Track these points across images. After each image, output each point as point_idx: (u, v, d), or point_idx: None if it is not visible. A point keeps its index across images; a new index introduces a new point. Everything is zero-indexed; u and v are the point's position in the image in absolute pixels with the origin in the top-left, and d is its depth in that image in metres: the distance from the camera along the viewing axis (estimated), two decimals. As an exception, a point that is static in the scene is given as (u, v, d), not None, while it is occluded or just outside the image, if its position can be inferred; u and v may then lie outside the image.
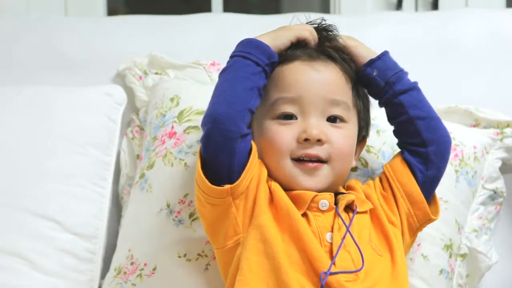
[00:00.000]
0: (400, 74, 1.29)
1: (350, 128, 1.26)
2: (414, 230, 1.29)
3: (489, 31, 1.70)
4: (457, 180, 1.46)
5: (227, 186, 1.18)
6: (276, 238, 1.18)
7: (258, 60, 1.21)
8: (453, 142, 1.46)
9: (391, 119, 1.31)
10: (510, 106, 1.61)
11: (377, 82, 1.29)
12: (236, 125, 1.18)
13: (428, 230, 1.39)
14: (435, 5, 2.05)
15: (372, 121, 1.37)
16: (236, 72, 1.21)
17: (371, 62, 1.29)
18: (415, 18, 1.79)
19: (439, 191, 1.38)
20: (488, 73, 1.67)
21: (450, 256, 1.43)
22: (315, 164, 1.23)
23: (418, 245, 1.39)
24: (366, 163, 1.41)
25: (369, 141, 1.39)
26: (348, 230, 1.19)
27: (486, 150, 1.53)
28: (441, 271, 1.41)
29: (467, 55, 1.68)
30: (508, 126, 1.56)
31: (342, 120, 1.25)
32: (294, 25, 1.31)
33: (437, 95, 1.61)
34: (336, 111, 1.25)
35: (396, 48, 1.67)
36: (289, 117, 1.24)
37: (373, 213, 1.26)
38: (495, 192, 1.54)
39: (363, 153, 1.40)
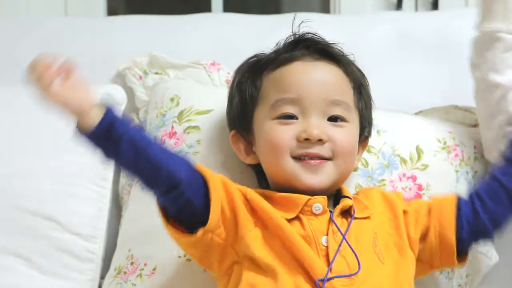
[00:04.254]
0: None
1: (352, 128, 1.26)
2: (433, 266, 1.27)
3: (489, 31, 1.70)
4: (457, 180, 1.46)
5: (200, 231, 1.15)
6: (266, 252, 1.16)
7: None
8: (453, 142, 1.46)
9: (488, 183, 1.28)
10: (510, 106, 1.60)
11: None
12: (173, 184, 1.13)
13: (428, 230, 1.39)
14: (435, 5, 2.05)
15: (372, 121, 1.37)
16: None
17: None
18: (415, 18, 1.79)
19: (440, 191, 1.38)
20: (488, 73, 1.66)
21: (450, 256, 1.43)
22: (318, 161, 1.22)
23: (419, 245, 1.39)
24: (367, 163, 1.41)
25: (369, 141, 1.39)
26: (344, 238, 1.17)
27: (487, 150, 1.53)
28: (441, 271, 1.41)
29: (467, 55, 1.67)
30: (508, 126, 1.56)
31: (343, 119, 1.25)
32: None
33: (437, 95, 1.61)
34: (336, 111, 1.24)
35: (396, 47, 1.68)
36: (290, 117, 1.23)
37: (393, 221, 1.24)
38: (495, 192, 1.54)
39: (363, 153, 1.40)
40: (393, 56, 1.67)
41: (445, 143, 1.46)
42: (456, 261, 1.25)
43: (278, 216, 1.18)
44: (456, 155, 1.47)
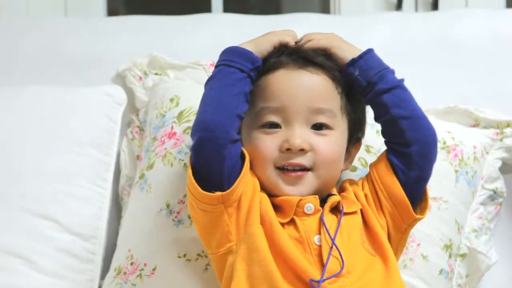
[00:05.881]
0: (384, 72, 1.27)
1: (337, 135, 1.26)
2: (402, 230, 1.28)
3: (489, 31, 1.70)
4: (457, 180, 1.46)
5: (218, 193, 1.18)
6: (267, 247, 1.18)
7: (242, 67, 1.22)
8: (452, 142, 1.47)
9: (376, 118, 1.29)
10: (510, 106, 1.61)
11: (359, 82, 1.26)
12: (225, 131, 1.18)
13: (427, 230, 1.39)
14: (435, 5, 2.06)
15: (371, 121, 1.37)
16: (221, 80, 1.22)
17: (353, 61, 1.27)
18: (415, 18, 1.80)
19: (439, 191, 1.39)
20: (488, 73, 1.67)
21: (450, 256, 1.43)
22: (299, 173, 1.23)
23: (418, 245, 1.39)
24: (366, 163, 1.41)
25: (369, 141, 1.39)
26: (332, 240, 1.19)
27: (486, 150, 1.53)
28: (440, 271, 1.41)
29: (467, 55, 1.68)
30: (508, 126, 1.56)
31: (327, 127, 1.25)
32: (277, 30, 1.30)
33: (437, 95, 1.62)
34: (320, 119, 1.24)
35: (396, 48, 1.68)
36: (274, 125, 1.24)
37: (363, 213, 1.26)
38: (495, 192, 1.54)
39: (363, 153, 1.40)
40: (393, 56, 1.66)
41: (444, 143, 1.46)
42: (413, 213, 1.26)
43: (277, 224, 1.19)
44: (456, 155, 1.47)
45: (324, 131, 1.25)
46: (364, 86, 1.26)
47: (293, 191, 1.23)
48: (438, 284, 1.40)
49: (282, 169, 1.23)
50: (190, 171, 1.20)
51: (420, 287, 1.39)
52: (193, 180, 1.19)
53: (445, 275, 1.41)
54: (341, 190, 1.31)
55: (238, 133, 1.21)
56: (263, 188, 1.25)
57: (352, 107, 1.29)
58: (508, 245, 1.58)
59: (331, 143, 1.25)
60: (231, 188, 1.19)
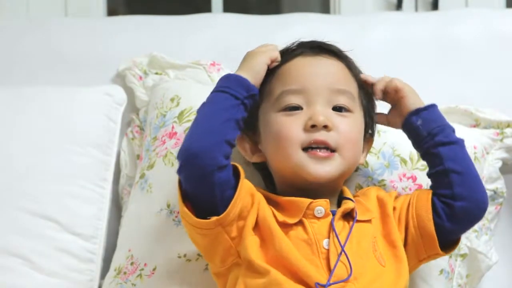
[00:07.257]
0: (445, 127, 1.28)
1: (356, 118, 1.26)
2: (420, 259, 1.27)
3: (489, 31, 1.70)
4: (457, 180, 1.46)
5: (214, 219, 1.16)
6: (259, 257, 1.16)
7: (236, 93, 1.20)
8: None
9: (429, 169, 1.29)
10: (510, 106, 1.61)
11: (419, 132, 1.27)
12: (211, 157, 1.16)
13: (428, 230, 1.39)
14: (435, 5, 2.06)
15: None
16: (213, 105, 1.21)
17: (418, 111, 1.28)
18: (415, 18, 1.80)
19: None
20: (488, 73, 1.67)
21: (450, 256, 1.43)
22: (327, 153, 1.22)
23: (418, 245, 1.40)
24: (366, 163, 1.41)
25: (369, 141, 1.39)
26: (342, 247, 1.18)
27: (486, 150, 1.53)
28: (441, 271, 1.41)
29: (467, 55, 1.68)
30: (508, 126, 1.56)
31: (347, 109, 1.25)
32: (259, 48, 1.29)
33: (437, 95, 1.61)
34: (341, 100, 1.25)
35: (396, 48, 1.68)
36: (295, 108, 1.24)
37: (384, 221, 1.26)
38: (495, 192, 1.54)
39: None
40: (393, 57, 1.67)
41: (445, 143, 1.46)
42: (439, 249, 1.25)
43: (275, 227, 1.18)
44: (456, 155, 1.47)
45: (344, 113, 1.25)
46: (424, 136, 1.27)
47: (320, 170, 1.21)
48: (438, 284, 1.40)
49: (308, 149, 1.22)
50: (180, 197, 1.18)
51: (420, 287, 1.39)
52: (185, 208, 1.18)
53: (446, 275, 1.41)
54: (361, 193, 1.30)
55: (227, 159, 1.18)
56: (285, 175, 1.24)
57: (366, 98, 1.30)
58: (508, 245, 1.58)
59: (352, 124, 1.25)
60: (226, 211, 1.17)
